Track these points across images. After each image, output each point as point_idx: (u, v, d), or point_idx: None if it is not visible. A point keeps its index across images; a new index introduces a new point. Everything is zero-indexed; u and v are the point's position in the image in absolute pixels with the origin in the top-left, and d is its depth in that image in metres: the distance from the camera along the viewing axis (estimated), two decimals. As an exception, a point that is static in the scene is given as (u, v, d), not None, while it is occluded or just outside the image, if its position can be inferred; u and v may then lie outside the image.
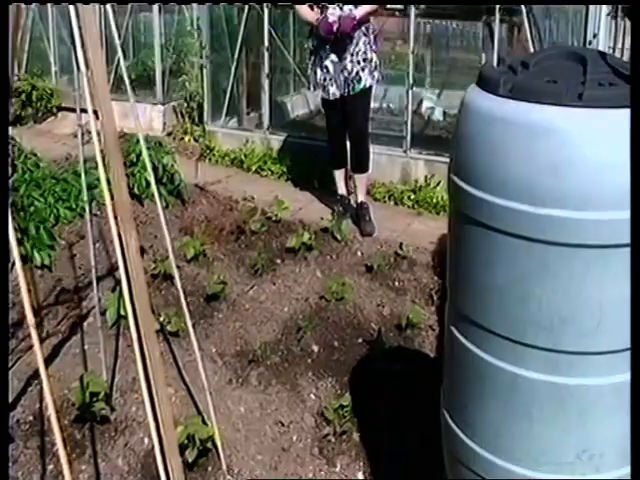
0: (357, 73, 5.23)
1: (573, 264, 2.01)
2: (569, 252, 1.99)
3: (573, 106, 1.95)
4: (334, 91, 5.30)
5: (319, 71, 5.34)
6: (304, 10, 5.37)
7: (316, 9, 5.27)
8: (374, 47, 5.33)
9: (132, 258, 2.47)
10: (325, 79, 5.31)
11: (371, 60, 5.28)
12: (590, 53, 2.14)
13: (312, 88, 5.71)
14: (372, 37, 5.32)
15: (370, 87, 5.35)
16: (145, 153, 3.44)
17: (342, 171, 5.68)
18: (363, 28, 5.23)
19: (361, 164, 5.53)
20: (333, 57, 5.25)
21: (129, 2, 8.06)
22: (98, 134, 2.52)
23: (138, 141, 5.34)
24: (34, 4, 8.60)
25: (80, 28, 2.45)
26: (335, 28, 5.09)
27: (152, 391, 2.60)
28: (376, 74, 5.33)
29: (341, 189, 5.73)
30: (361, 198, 5.58)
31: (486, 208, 2.07)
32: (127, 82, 3.41)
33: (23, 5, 8.08)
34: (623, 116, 1.92)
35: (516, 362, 2.15)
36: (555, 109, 1.96)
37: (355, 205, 5.62)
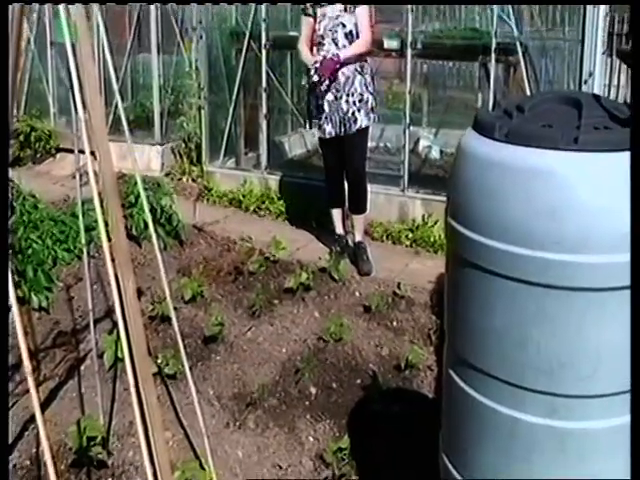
0: (353, 114, 5.28)
1: (571, 307, 2.01)
2: (567, 295, 1.99)
3: (569, 150, 1.96)
4: (330, 130, 5.34)
5: (315, 110, 5.38)
6: (304, 52, 5.43)
7: (315, 51, 5.33)
8: (370, 87, 5.38)
9: (129, 302, 2.46)
10: (321, 118, 5.35)
11: (367, 101, 5.32)
12: (585, 97, 2.15)
13: (308, 126, 5.75)
14: (369, 77, 5.37)
15: (367, 127, 5.38)
16: (143, 195, 3.45)
17: (340, 210, 5.70)
18: (358, 67, 5.28)
19: (359, 205, 5.54)
20: (329, 96, 5.29)
21: (128, 2, 8.08)
22: (96, 175, 2.52)
23: (136, 182, 5.38)
24: (33, 45, 8.68)
25: (78, 69, 2.46)
26: (320, 71, 5.19)
27: (149, 435, 2.58)
28: (372, 115, 5.37)
29: (339, 229, 5.74)
30: (359, 238, 5.59)
31: (484, 251, 2.07)
32: (125, 124, 3.41)
33: (22, 45, 8.16)
34: (619, 160, 1.93)
35: (515, 406, 2.14)
36: (551, 153, 1.97)
37: (353, 245, 5.62)
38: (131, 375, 2.52)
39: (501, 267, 2.04)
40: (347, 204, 5.64)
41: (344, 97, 5.26)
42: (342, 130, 5.31)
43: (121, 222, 2.50)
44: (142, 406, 2.58)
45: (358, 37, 5.28)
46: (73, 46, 2.45)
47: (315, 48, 5.35)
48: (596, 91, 6.04)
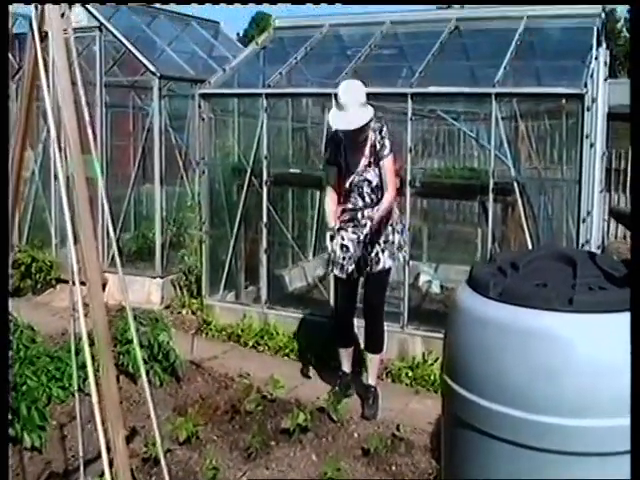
0: (377, 254, 5.22)
1: (570, 472, 1.96)
2: (565, 460, 1.94)
3: (564, 311, 1.94)
4: (352, 270, 5.28)
5: (339, 250, 5.29)
6: (329, 209, 5.36)
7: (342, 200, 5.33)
8: (398, 227, 5.36)
9: (119, 454, 2.40)
10: (344, 258, 5.28)
11: (392, 242, 5.29)
12: (580, 255, 2.16)
13: (330, 268, 5.56)
14: (396, 216, 5.36)
15: (389, 268, 5.34)
16: (133, 330, 3.38)
17: (348, 350, 5.60)
18: None
19: (375, 344, 5.45)
20: (353, 236, 5.29)
21: (128, 2, 8.17)
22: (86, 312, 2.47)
23: (134, 318, 5.36)
24: (38, 176, 8.82)
25: (70, 200, 2.46)
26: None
27: None
28: (400, 255, 5.38)
29: (346, 367, 5.60)
30: (372, 381, 5.49)
31: (480, 413, 2.03)
32: (117, 257, 3.39)
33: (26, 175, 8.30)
34: (615, 320, 1.92)
35: None
36: (547, 314, 1.96)
37: (364, 386, 5.52)
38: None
39: (497, 429, 2.00)
40: (363, 343, 5.56)
41: (369, 237, 5.22)
42: (364, 271, 5.27)
43: (112, 370, 2.46)
44: None
45: (383, 190, 5.20)
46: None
47: (342, 198, 5.32)
48: (595, 228, 6.09)
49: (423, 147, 8.86)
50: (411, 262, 6.53)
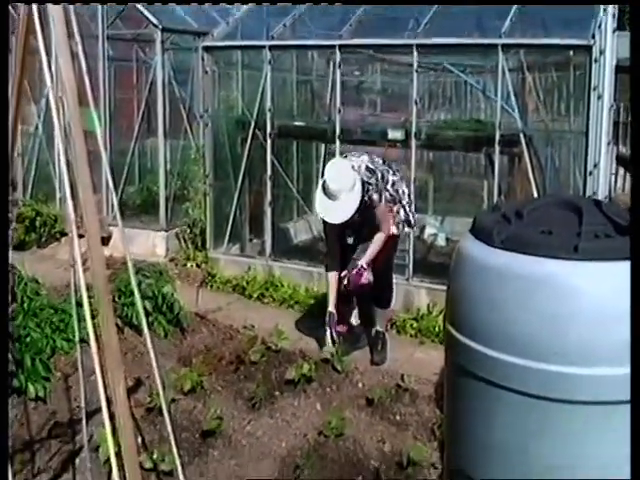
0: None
1: (573, 421, 1.94)
2: (569, 409, 1.92)
3: (569, 259, 1.91)
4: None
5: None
6: (331, 283, 5.37)
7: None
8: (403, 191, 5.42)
9: (119, 405, 2.39)
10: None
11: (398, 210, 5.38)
12: (586, 203, 2.12)
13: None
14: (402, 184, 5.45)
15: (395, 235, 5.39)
16: (134, 282, 3.36)
17: (336, 276, 5.40)
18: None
19: (384, 301, 5.50)
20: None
21: (128, 2, 8.13)
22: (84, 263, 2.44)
23: (138, 270, 5.36)
24: (41, 130, 8.76)
25: (67, 151, 2.43)
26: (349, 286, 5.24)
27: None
28: (403, 225, 5.44)
29: (331, 304, 5.41)
30: (379, 327, 5.54)
31: (484, 362, 2.01)
32: (117, 210, 3.36)
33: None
34: (620, 269, 1.89)
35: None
36: (551, 262, 1.92)
37: (372, 333, 5.57)
38: (116, 477, 2.42)
39: (501, 378, 1.97)
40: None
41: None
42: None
43: (112, 320, 2.44)
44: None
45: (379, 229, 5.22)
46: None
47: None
48: (602, 181, 6.04)
49: (429, 99, 8.77)
50: (417, 215, 6.50)
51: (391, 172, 5.35)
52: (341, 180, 4.94)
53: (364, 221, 5.15)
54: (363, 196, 5.03)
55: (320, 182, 5.10)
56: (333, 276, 5.35)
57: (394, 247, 5.46)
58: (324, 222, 5.39)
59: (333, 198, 4.94)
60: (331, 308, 5.40)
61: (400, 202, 5.34)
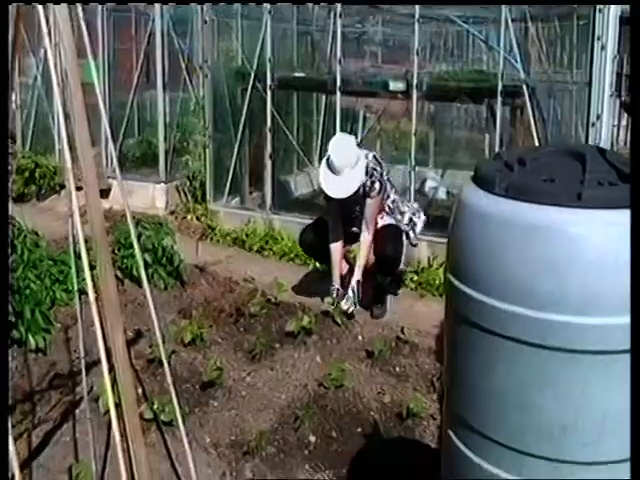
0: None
1: (574, 370, 1.92)
2: (570, 358, 1.91)
3: (572, 206, 1.89)
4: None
5: None
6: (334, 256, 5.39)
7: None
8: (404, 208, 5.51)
9: (118, 355, 2.39)
10: None
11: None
12: (589, 150, 2.08)
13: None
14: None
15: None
16: (133, 235, 3.35)
17: (340, 247, 5.43)
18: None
19: (385, 266, 5.41)
20: None
21: (128, 2, 8.05)
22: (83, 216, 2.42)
23: (138, 222, 5.34)
24: (40, 81, 8.69)
25: (65, 104, 2.40)
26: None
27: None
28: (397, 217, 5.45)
29: (336, 278, 5.41)
30: (380, 281, 5.48)
31: (484, 310, 1.99)
32: (115, 162, 3.34)
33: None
34: (623, 217, 1.86)
35: (516, 471, 2.05)
36: (553, 209, 1.89)
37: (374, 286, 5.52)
38: (116, 429, 2.42)
39: (501, 327, 1.96)
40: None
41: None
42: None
43: (110, 271, 2.43)
44: (130, 458, 2.50)
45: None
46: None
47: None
48: (604, 133, 5.99)
49: (431, 50, 8.67)
50: (417, 168, 6.47)
51: (394, 190, 5.43)
52: (345, 155, 4.94)
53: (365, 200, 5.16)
54: (366, 174, 5.04)
55: (324, 157, 5.07)
56: (335, 248, 5.36)
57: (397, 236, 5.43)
58: (326, 196, 5.32)
59: (337, 173, 4.92)
60: (336, 284, 5.39)
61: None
